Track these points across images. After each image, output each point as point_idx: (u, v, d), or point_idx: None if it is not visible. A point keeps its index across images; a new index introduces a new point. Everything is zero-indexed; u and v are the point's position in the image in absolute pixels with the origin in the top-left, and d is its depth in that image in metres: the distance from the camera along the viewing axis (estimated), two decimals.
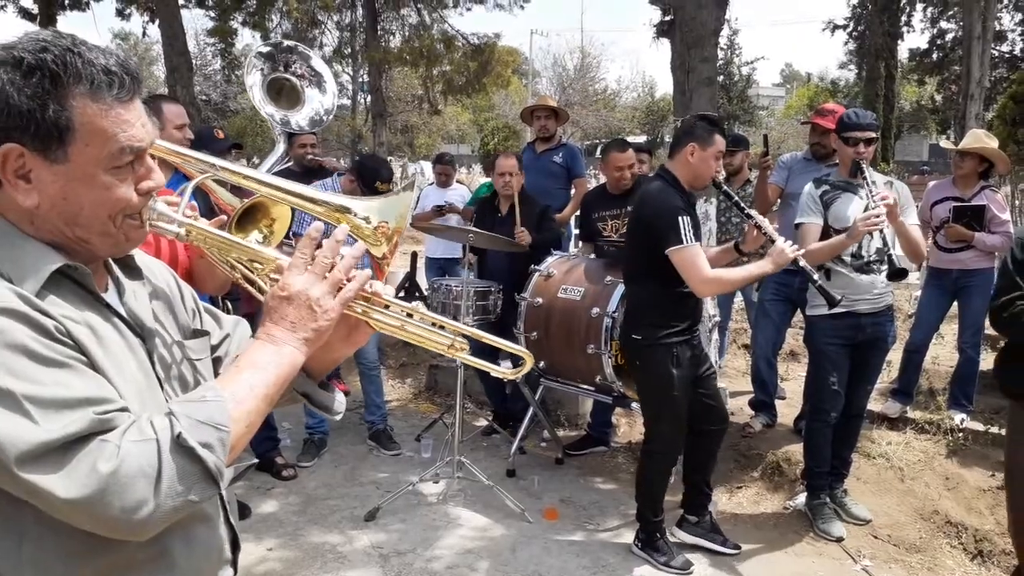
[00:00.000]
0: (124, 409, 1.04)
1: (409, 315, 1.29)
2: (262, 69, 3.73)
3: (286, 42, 3.98)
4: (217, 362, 1.38)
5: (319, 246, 1.21)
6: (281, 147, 3.99)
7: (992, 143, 4.79)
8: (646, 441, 3.73)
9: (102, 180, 1.09)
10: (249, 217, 2.10)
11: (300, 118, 3.87)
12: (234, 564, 1.34)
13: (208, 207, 2.63)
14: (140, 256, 1.32)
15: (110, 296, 1.20)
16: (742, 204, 3.49)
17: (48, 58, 1.04)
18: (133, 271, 1.28)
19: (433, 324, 1.32)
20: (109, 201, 1.11)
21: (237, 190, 2.62)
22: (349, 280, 1.22)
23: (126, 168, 1.11)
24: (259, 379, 1.13)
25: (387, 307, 1.27)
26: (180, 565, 1.18)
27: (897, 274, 3.47)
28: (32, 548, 1.05)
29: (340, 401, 1.41)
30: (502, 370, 1.40)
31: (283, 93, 3.87)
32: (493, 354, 5.16)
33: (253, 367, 1.14)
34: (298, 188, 1.34)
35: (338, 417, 1.42)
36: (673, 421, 3.56)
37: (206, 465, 1.03)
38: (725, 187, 3.51)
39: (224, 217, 2.18)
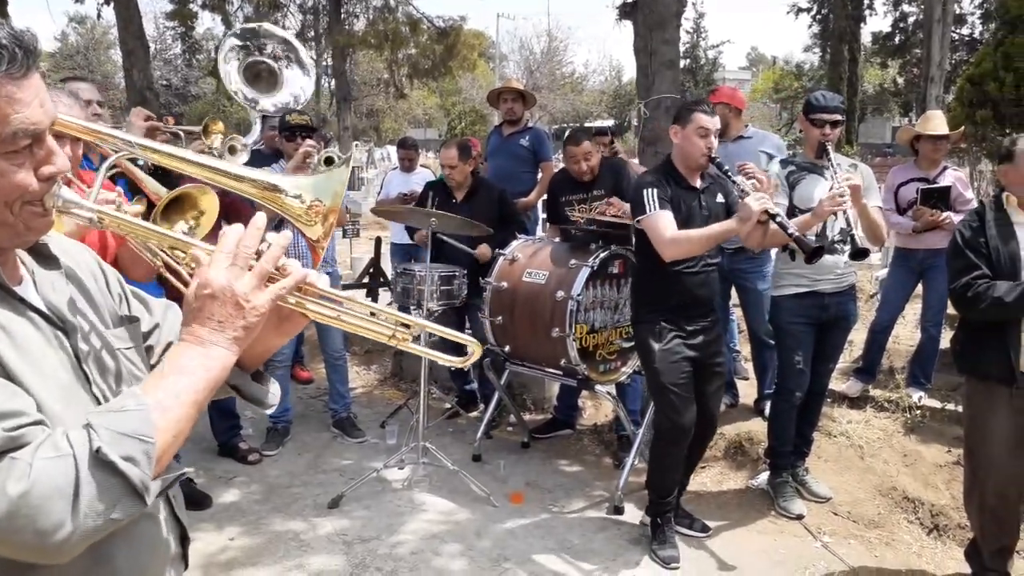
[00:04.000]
0: (38, 422, 0.97)
1: (343, 305, 1.23)
2: (238, 57, 3.69)
3: (254, 25, 3.94)
4: (148, 352, 1.31)
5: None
6: (257, 129, 3.92)
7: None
8: (655, 419, 3.76)
9: None
10: (175, 207, 1.99)
11: (275, 100, 3.80)
12: (184, 558, 1.30)
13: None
14: (58, 242, 1.23)
15: (25, 289, 1.11)
16: (731, 174, 3.42)
17: None
18: (49, 260, 1.18)
19: (371, 313, 1.25)
20: (4, 188, 1.01)
21: (166, 179, 2.52)
22: (279, 270, 1.14)
23: (23, 152, 1.02)
24: (186, 384, 1.05)
25: (321, 297, 1.21)
26: (122, 567, 1.12)
27: (859, 253, 3.49)
28: None
29: (274, 393, 1.34)
30: (450, 358, 1.33)
31: (261, 76, 3.81)
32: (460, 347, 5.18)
33: (179, 372, 1.06)
34: (223, 166, 1.25)
35: (271, 411, 1.34)
36: (662, 397, 3.52)
37: (130, 480, 0.96)
38: (716, 159, 3.45)
39: (139, 208, 2.08)
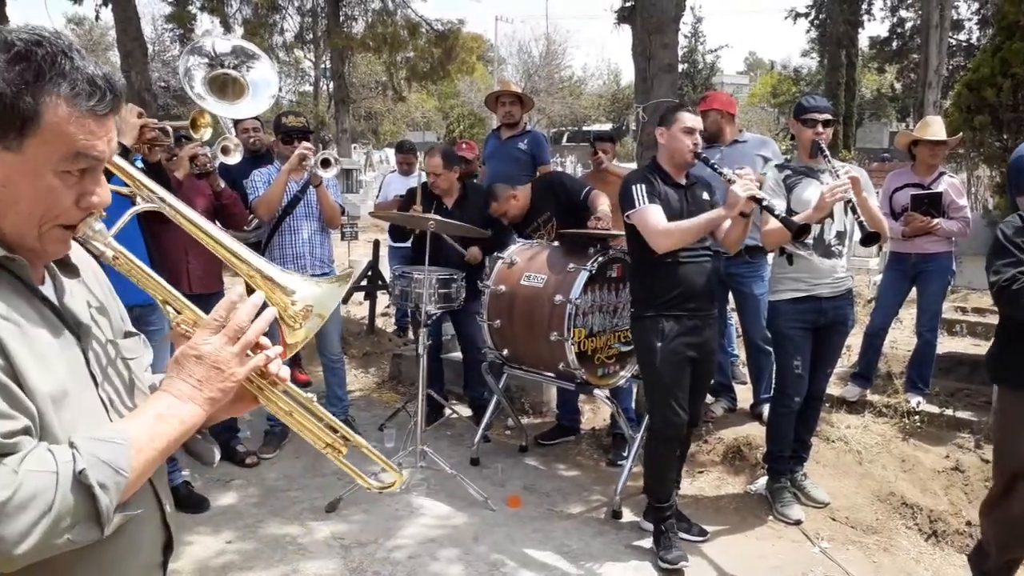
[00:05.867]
0: (28, 431, 1.01)
1: (302, 405, 1.30)
2: (204, 74, 3.76)
3: (199, 43, 4.04)
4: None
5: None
6: (230, 135, 3.99)
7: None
8: (648, 419, 3.76)
9: (47, 180, 1.07)
10: None
11: (245, 106, 3.86)
12: (164, 566, 1.32)
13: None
14: (77, 252, 1.29)
15: (47, 290, 1.17)
16: (717, 167, 3.49)
17: (39, 52, 1.03)
18: (70, 269, 1.25)
19: (321, 420, 1.32)
20: (46, 202, 1.09)
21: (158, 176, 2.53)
22: (260, 346, 1.22)
23: (74, 176, 1.09)
24: (162, 431, 1.12)
25: (284, 392, 1.29)
26: (105, 565, 1.15)
27: (870, 238, 3.46)
28: None
29: (216, 452, 1.41)
30: (371, 482, 1.46)
31: (228, 88, 3.87)
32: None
33: (158, 419, 1.13)
34: (242, 251, 1.30)
35: (212, 466, 1.42)
36: (661, 397, 3.53)
37: (98, 506, 1.01)
38: (703, 155, 3.53)
39: None
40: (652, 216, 3.42)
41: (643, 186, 3.47)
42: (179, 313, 1.26)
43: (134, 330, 1.36)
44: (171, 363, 1.19)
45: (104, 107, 1.08)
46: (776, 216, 3.29)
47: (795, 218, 3.61)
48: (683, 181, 3.59)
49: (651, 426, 3.66)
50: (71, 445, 1.02)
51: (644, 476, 3.73)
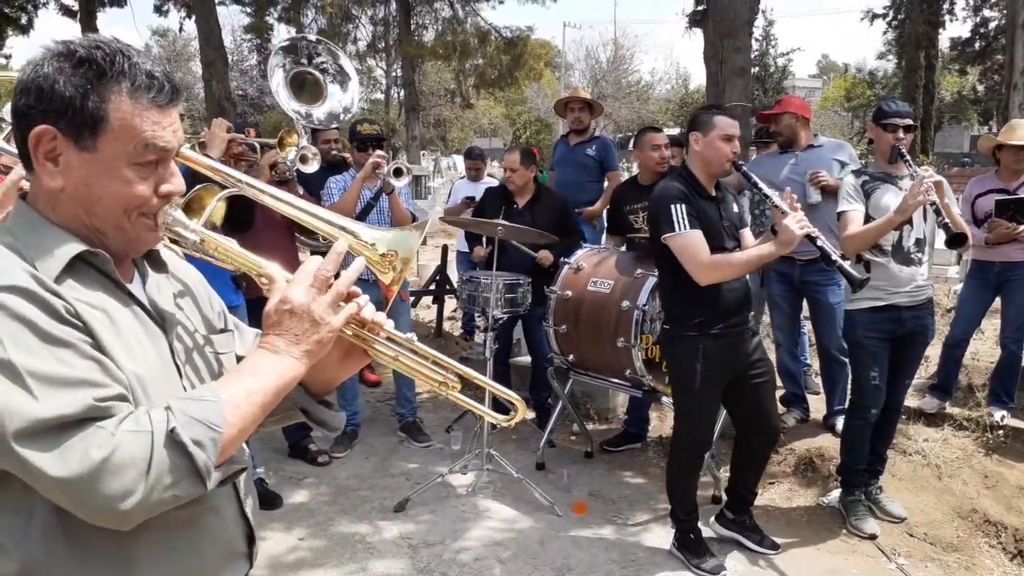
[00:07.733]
0: (123, 398, 1.07)
1: (405, 347, 1.32)
2: (284, 65, 3.82)
3: (312, 36, 4.06)
4: None
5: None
6: (303, 142, 4.10)
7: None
8: (674, 436, 3.69)
9: (124, 174, 1.14)
10: (189, 208, 2.10)
11: (320, 113, 3.93)
12: (249, 558, 1.35)
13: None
14: (171, 256, 1.36)
15: (134, 287, 1.24)
16: (760, 184, 3.30)
17: (98, 55, 1.11)
18: (159, 264, 1.32)
19: (427, 359, 1.34)
20: (127, 195, 1.15)
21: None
22: (352, 295, 1.25)
23: (149, 167, 1.16)
24: (258, 386, 1.14)
25: (387, 338, 1.30)
26: (181, 550, 1.19)
27: (956, 239, 3.34)
28: (40, 525, 1.08)
29: (340, 417, 1.43)
30: (495, 415, 1.43)
31: (305, 87, 3.95)
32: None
33: (254, 374, 1.16)
34: (313, 208, 1.37)
35: (336, 433, 1.46)
36: (695, 418, 3.47)
37: (195, 462, 1.05)
38: (744, 167, 3.35)
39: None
40: (696, 246, 3.19)
41: (683, 206, 3.20)
42: (267, 282, 1.29)
43: (230, 328, 1.42)
44: (265, 319, 1.21)
45: (164, 97, 1.15)
46: (833, 263, 3.07)
47: (880, 220, 3.51)
48: (713, 192, 3.39)
49: (680, 444, 3.57)
50: (167, 407, 1.07)
51: (668, 488, 3.64)
